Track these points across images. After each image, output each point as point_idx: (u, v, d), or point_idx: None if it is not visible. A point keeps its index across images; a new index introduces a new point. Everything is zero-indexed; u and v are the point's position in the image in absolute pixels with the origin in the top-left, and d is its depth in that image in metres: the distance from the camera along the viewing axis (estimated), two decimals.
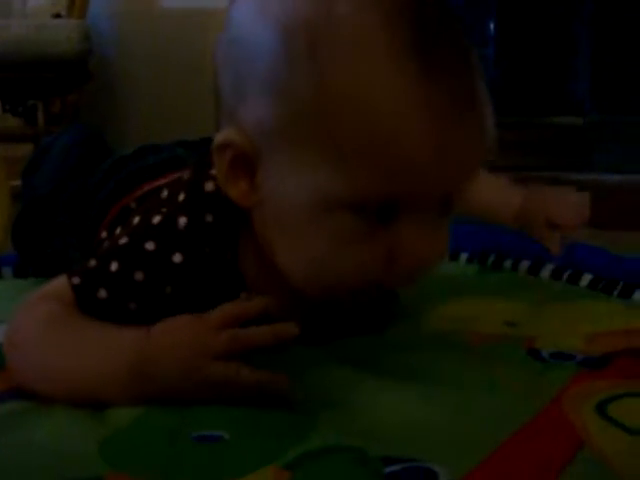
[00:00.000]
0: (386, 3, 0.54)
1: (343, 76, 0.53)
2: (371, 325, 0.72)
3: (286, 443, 0.49)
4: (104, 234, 0.77)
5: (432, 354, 0.66)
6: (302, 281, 0.61)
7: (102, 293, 0.61)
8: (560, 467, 0.45)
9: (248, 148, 0.58)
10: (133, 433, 0.52)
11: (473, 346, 0.69)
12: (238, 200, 0.60)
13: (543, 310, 0.81)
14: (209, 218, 0.62)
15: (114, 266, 0.61)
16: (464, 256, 1.02)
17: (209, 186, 0.63)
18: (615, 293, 0.87)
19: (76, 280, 0.61)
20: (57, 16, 2.34)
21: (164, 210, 0.63)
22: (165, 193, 0.66)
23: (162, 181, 0.74)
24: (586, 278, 0.91)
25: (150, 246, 0.61)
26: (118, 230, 0.69)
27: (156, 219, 0.62)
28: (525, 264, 0.97)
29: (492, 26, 2.07)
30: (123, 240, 0.62)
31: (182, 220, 0.62)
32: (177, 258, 0.61)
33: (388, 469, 0.45)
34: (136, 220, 0.64)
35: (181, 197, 0.63)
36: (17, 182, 1.03)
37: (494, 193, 0.90)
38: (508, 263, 0.99)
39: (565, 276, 0.93)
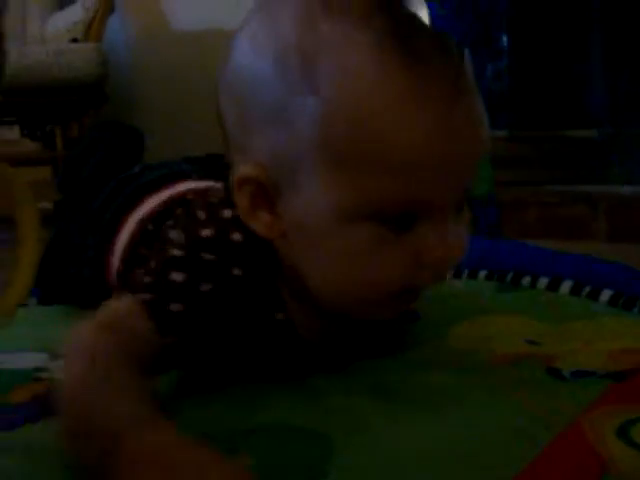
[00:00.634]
0: (358, 11, 0.56)
1: (341, 95, 0.55)
2: (390, 346, 0.73)
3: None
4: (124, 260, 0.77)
5: (451, 376, 0.67)
6: (334, 298, 0.62)
7: (175, 306, 0.60)
8: None
9: (265, 180, 0.59)
10: None
11: (493, 366, 0.70)
12: (262, 233, 0.61)
13: (563, 328, 0.81)
14: (257, 237, 0.62)
15: (177, 277, 0.61)
16: (483, 273, 1.02)
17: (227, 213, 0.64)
18: (635, 310, 0.87)
19: (146, 296, 0.60)
20: (74, 41, 2.37)
21: (213, 224, 0.63)
22: (202, 213, 0.65)
23: (170, 191, 0.76)
24: (606, 294, 0.91)
25: (209, 257, 0.61)
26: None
27: (207, 232, 0.62)
28: (544, 281, 0.97)
29: (505, 39, 2.07)
30: (176, 252, 0.62)
31: (236, 235, 0.62)
32: (237, 271, 0.62)
33: None
34: (181, 234, 0.63)
35: (227, 214, 0.63)
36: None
37: None
38: (526, 280, 0.99)
39: (585, 292, 0.93)
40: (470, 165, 0.59)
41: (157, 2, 2.56)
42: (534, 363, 0.69)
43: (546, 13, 2.02)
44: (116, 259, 0.79)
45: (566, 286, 0.95)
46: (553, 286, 0.96)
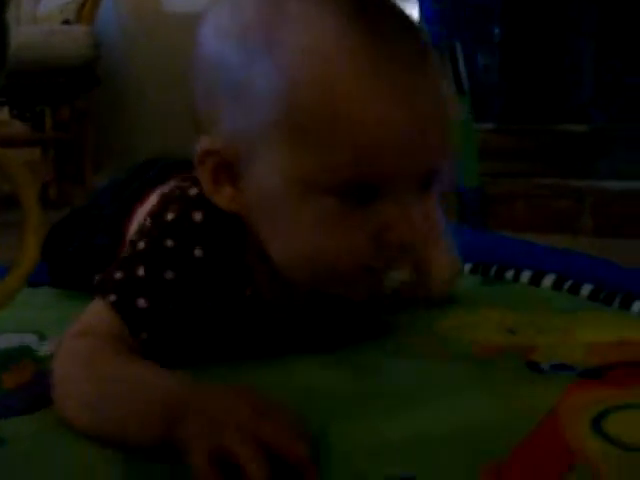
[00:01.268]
0: (341, 6, 0.57)
1: (302, 70, 0.56)
2: (372, 331, 0.74)
3: None
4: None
5: (435, 364, 0.68)
6: (296, 271, 0.63)
7: (141, 302, 0.62)
8: None
9: (228, 154, 0.60)
10: None
11: (475, 357, 0.71)
12: (225, 206, 0.62)
13: (543, 320, 0.82)
14: (222, 213, 0.63)
15: (140, 271, 0.62)
16: (467, 267, 1.03)
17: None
18: (615, 304, 0.88)
19: (112, 298, 0.62)
20: (66, 22, 2.36)
21: (176, 206, 0.64)
22: (173, 190, 0.67)
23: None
24: (586, 289, 0.92)
25: (170, 243, 0.63)
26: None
27: (169, 215, 0.64)
28: (527, 274, 0.99)
29: (497, 32, 2.08)
30: (141, 244, 0.64)
31: (197, 215, 0.64)
32: (198, 252, 0.63)
33: None
34: (148, 222, 0.66)
35: (193, 192, 0.65)
36: None
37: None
38: (510, 274, 1.00)
39: (566, 286, 0.94)
40: (433, 144, 0.58)
41: None
42: (514, 356, 0.70)
43: (538, 7, 2.03)
44: (134, 227, 0.77)
45: (548, 280, 0.96)
46: (535, 280, 0.97)
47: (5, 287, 0.85)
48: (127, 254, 0.65)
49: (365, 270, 0.60)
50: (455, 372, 0.67)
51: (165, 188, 0.71)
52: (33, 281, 0.93)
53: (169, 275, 0.63)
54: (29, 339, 0.79)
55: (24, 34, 2.12)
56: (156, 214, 0.66)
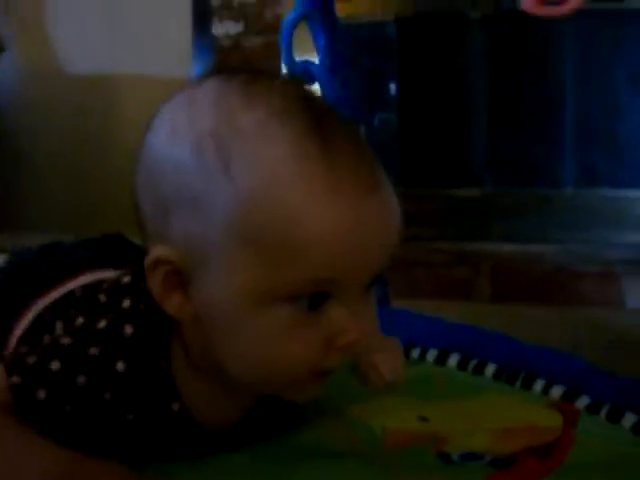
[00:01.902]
0: (277, 106, 0.59)
1: (255, 184, 0.57)
2: (285, 423, 0.74)
3: None
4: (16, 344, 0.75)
5: (347, 460, 0.68)
6: (247, 378, 0.63)
7: (41, 394, 0.61)
8: None
9: (179, 263, 0.60)
10: None
11: (386, 449, 0.72)
12: (174, 314, 0.62)
13: (451, 405, 0.84)
14: (152, 327, 0.64)
15: (55, 365, 0.61)
16: None
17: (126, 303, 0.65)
18: (517, 384, 0.91)
19: (16, 379, 0.61)
20: None
21: (109, 316, 0.64)
22: (104, 297, 0.66)
23: (73, 283, 0.75)
24: (490, 369, 0.95)
25: (94, 351, 0.62)
26: (58, 326, 0.69)
27: (101, 324, 0.63)
28: (432, 353, 1.00)
29: (394, 89, 2.13)
30: (66, 340, 0.63)
31: (128, 328, 0.63)
32: (120, 366, 0.62)
33: None
34: (79, 321, 0.65)
35: (126, 304, 0.64)
36: None
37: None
38: (416, 352, 1.02)
39: (471, 366, 0.97)
40: (381, 252, 0.61)
41: (50, 43, 2.52)
42: (425, 447, 0.71)
43: (433, 86, 2.10)
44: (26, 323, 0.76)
45: (453, 359, 0.98)
46: (441, 359, 0.99)
47: None
48: (49, 342, 0.64)
49: (316, 373, 0.62)
50: (367, 468, 0.67)
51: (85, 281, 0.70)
52: None
53: (81, 380, 0.62)
54: None
55: None
56: (89, 317, 0.64)
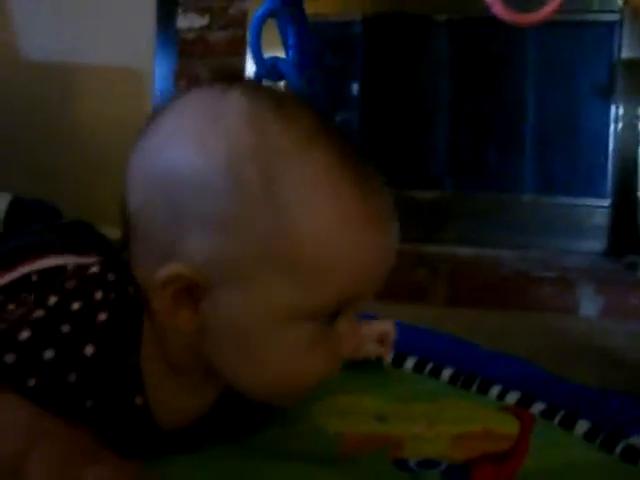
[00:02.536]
0: (309, 127, 0.60)
1: (295, 206, 0.58)
2: (240, 428, 0.73)
3: None
4: None
5: (298, 468, 0.67)
6: (259, 391, 0.64)
7: (9, 358, 0.59)
8: None
9: (197, 280, 0.59)
10: None
11: (341, 455, 0.71)
12: (182, 327, 0.61)
13: (408, 409, 0.84)
14: (125, 318, 0.63)
15: (25, 334, 0.60)
16: None
17: (131, 290, 0.64)
18: (474, 388, 0.91)
19: None
20: None
21: (82, 301, 0.62)
22: (72, 284, 0.64)
23: (31, 266, 0.73)
24: (447, 373, 0.95)
25: (66, 329, 0.61)
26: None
27: (75, 305, 0.62)
28: (389, 356, 1.00)
29: (356, 94, 2.13)
30: (39, 313, 0.61)
31: (102, 315, 0.62)
32: (89, 350, 0.61)
33: None
34: (53, 300, 0.62)
35: (98, 295, 0.63)
36: None
37: None
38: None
39: (427, 369, 0.97)
40: (387, 271, 0.64)
41: (7, 28, 2.47)
42: (381, 453, 0.71)
43: (395, 85, 2.10)
44: None
45: (410, 362, 0.99)
46: (398, 361, 0.99)
47: None
48: (22, 312, 0.62)
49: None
50: (323, 473, 0.66)
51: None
52: None
53: (48, 355, 0.60)
54: None
55: None
56: (63, 298, 0.62)
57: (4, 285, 0.73)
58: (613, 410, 0.83)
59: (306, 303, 0.59)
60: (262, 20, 1.16)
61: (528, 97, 2.01)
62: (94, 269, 0.65)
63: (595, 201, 1.91)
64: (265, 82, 1.17)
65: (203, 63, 2.16)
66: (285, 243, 0.58)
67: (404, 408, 0.84)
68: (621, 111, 1.88)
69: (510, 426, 0.80)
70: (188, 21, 2.18)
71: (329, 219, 0.58)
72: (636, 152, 1.85)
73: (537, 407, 0.85)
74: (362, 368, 0.92)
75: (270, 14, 1.16)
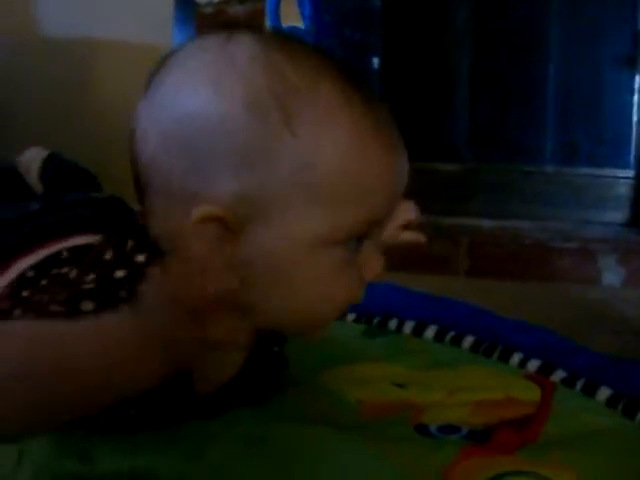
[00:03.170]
0: (333, 72, 0.62)
1: (320, 141, 0.60)
2: (259, 393, 0.74)
3: None
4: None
5: (321, 431, 0.67)
6: (296, 320, 0.65)
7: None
8: None
9: (229, 219, 0.59)
10: None
11: (363, 421, 0.71)
12: (222, 269, 0.60)
13: (428, 376, 0.84)
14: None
15: (89, 305, 0.60)
16: (351, 316, 1.04)
17: (140, 258, 0.63)
18: (495, 356, 0.91)
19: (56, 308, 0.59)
20: None
21: (124, 267, 0.63)
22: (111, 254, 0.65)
23: (64, 244, 0.74)
24: (468, 340, 0.95)
25: (123, 294, 0.60)
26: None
27: (118, 273, 0.62)
28: (410, 324, 1.00)
29: (376, 63, 2.12)
30: (89, 285, 0.62)
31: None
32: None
33: None
34: (93, 274, 0.63)
35: (140, 258, 0.63)
36: None
37: None
38: (393, 324, 1.02)
39: (448, 337, 0.97)
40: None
41: (27, 5, 2.48)
42: (402, 418, 0.71)
43: (415, 54, 2.09)
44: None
45: (431, 331, 0.98)
46: (418, 331, 0.99)
47: None
48: (65, 292, 0.62)
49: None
50: (343, 439, 0.66)
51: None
52: None
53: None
54: None
55: None
56: (100, 269, 0.63)
57: (39, 262, 0.73)
58: (634, 378, 0.83)
59: (337, 228, 0.61)
60: None
61: (550, 67, 1.98)
62: (108, 256, 0.65)
63: (618, 172, 1.89)
64: None
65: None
66: (312, 172, 0.59)
67: (424, 376, 0.84)
68: None
69: (532, 393, 0.80)
70: None
71: (349, 146, 0.60)
72: None
73: (558, 375, 0.85)
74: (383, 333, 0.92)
75: None
